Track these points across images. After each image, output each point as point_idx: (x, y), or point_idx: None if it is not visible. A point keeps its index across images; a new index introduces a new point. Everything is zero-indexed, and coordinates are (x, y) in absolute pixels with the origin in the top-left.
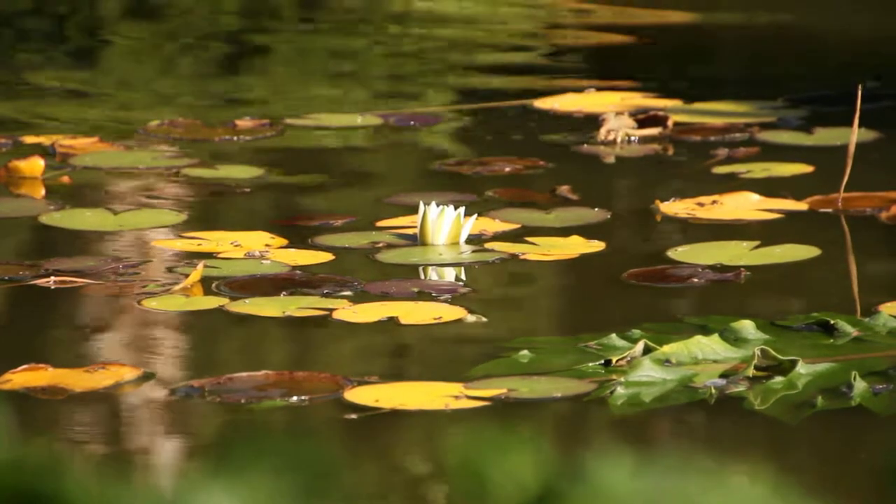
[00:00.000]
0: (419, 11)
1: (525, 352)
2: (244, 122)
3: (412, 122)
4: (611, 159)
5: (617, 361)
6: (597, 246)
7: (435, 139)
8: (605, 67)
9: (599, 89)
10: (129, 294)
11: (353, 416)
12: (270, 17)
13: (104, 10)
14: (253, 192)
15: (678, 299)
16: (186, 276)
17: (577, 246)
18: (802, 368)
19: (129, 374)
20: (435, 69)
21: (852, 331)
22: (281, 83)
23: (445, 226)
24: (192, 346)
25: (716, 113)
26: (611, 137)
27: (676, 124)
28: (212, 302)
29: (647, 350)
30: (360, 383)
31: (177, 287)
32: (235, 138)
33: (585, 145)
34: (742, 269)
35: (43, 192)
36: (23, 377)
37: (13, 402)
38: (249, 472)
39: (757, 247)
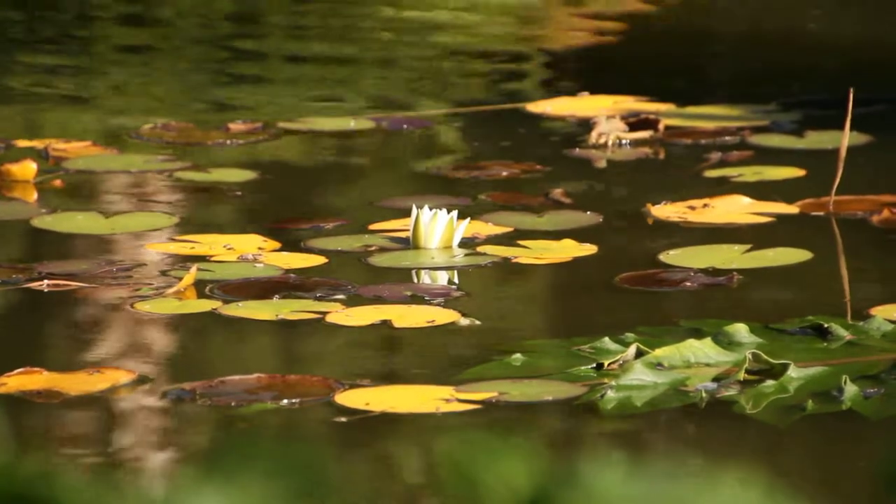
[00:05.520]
0: (412, 16)
1: (518, 355)
2: (237, 126)
3: (405, 126)
4: (602, 163)
5: (609, 365)
6: (589, 249)
7: (427, 143)
8: (597, 72)
9: (592, 92)
10: (122, 297)
11: (343, 419)
12: (263, 21)
13: (97, 13)
14: (246, 195)
15: (671, 303)
16: (179, 279)
17: (569, 249)
18: (794, 372)
19: (123, 377)
20: (427, 73)
21: (846, 334)
22: (274, 87)
23: (438, 229)
24: (186, 350)
25: (708, 116)
26: (602, 141)
27: (668, 128)
28: (205, 305)
29: (639, 354)
30: (352, 386)
31: (170, 290)
32: (228, 142)
33: (577, 149)
34: (734, 272)
35: (35, 195)
36: (18, 381)
37: (8, 406)
38: (241, 476)
39: (749, 250)
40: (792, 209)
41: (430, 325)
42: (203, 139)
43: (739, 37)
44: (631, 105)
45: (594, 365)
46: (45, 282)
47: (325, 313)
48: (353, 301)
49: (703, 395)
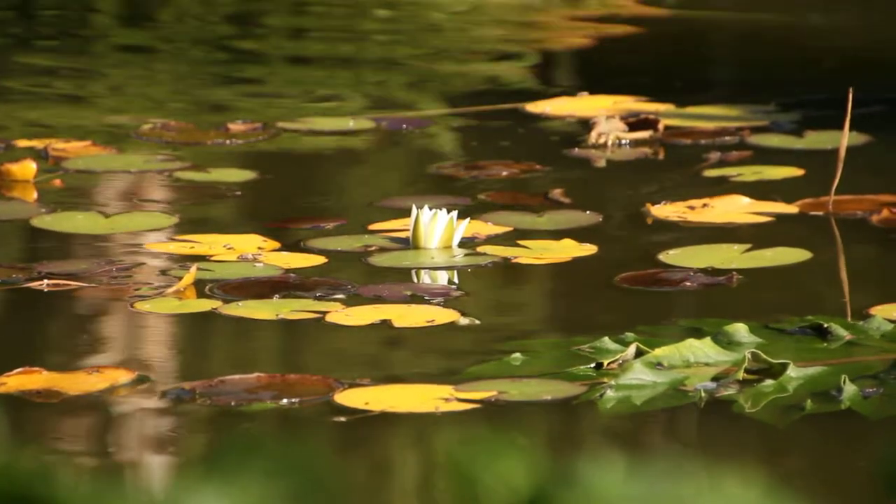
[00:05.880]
0: (410, 14)
1: (517, 355)
2: (236, 126)
3: (404, 126)
4: (602, 163)
5: (608, 364)
6: (589, 249)
7: (427, 143)
8: (597, 72)
9: (592, 93)
10: (122, 297)
11: (342, 418)
12: (262, 21)
13: (97, 13)
14: (245, 195)
15: (671, 303)
16: (179, 278)
17: (569, 249)
18: (793, 372)
19: (123, 377)
20: (426, 73)
21: (845, 334)
22: (273, 87)
23: (438, 229)
24: (186, 349)
25: (707, 117)
26: (601, 141)
27: (667, 128)
28: (205, 305)
29: (639, 353)
30: (352, 386)
31: (170, 290)
32: (228, 142)
33: (577, 149)
34: (734, 272)
35: (35, 195)
36: (17, 380)
37: (8, 406)
38: (241, 476)
39: (748, 250)
40: (791, 209)
41: (429, 324)
42: (203, 139)
43: (739, 37)
44: (630, 105)
45: (594, 364)
46: (45, 282)
47: (324, 313)
48: (352, 301)
49: (703, 394)
